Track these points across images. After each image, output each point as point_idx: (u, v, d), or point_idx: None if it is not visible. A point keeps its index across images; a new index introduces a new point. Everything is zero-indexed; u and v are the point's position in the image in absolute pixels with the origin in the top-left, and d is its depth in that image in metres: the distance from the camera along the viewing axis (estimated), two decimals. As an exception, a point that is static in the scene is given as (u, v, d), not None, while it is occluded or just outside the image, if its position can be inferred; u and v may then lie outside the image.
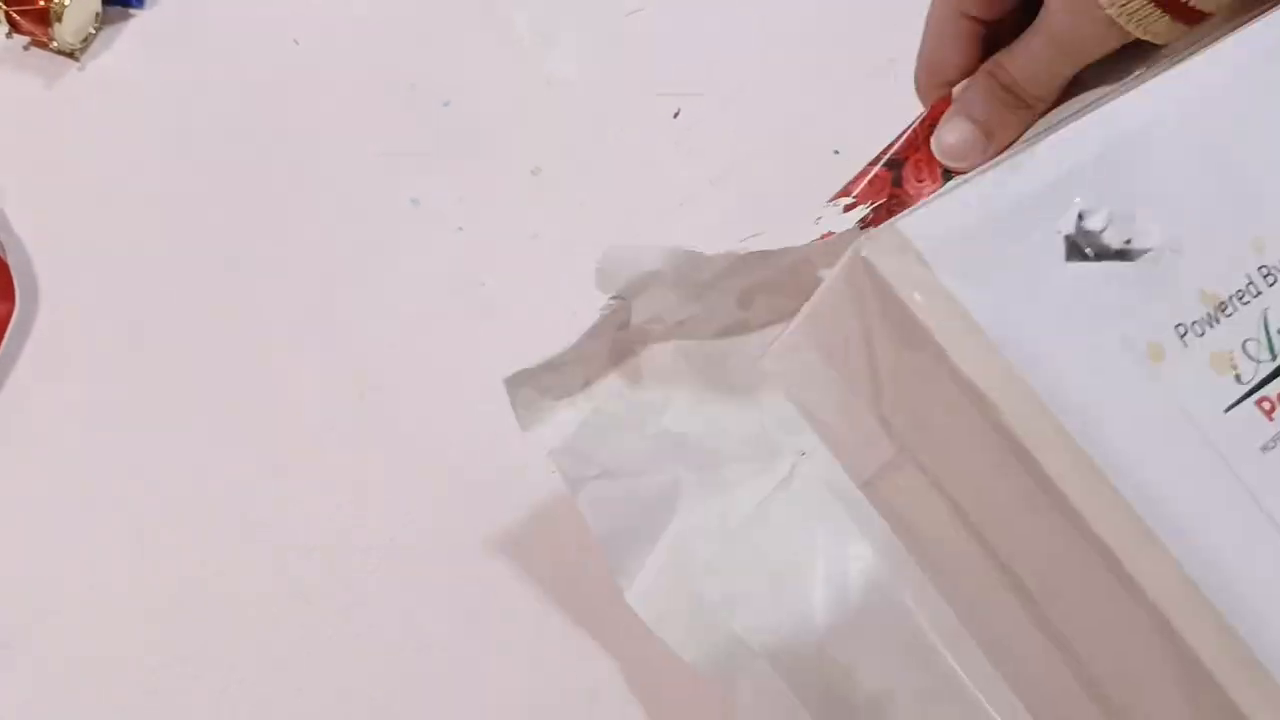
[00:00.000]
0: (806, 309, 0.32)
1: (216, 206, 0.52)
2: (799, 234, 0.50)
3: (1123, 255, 0.30)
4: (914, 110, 0.54)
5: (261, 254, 0.51)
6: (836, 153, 0.51)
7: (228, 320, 0.49)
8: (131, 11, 0.56)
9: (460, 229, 0.51)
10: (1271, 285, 0.31)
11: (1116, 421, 0.28)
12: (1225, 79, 0.32)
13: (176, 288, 0.50)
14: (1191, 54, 0.32)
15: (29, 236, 0.51)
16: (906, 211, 0.29)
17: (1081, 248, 0.30)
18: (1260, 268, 0.31)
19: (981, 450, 0.29)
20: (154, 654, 0.44)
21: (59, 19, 0.52)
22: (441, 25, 0.55)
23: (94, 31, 0.55)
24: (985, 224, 0.29)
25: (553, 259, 0.50)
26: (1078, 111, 0.32)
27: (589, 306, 0.49)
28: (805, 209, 0.50)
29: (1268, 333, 0.30)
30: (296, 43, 0.55)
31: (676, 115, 0.53)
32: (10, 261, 0.50)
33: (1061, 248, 0.29)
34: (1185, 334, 0.30)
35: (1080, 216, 0.30)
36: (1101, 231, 0.30)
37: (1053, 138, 0.30)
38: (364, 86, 0.54)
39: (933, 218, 0.29)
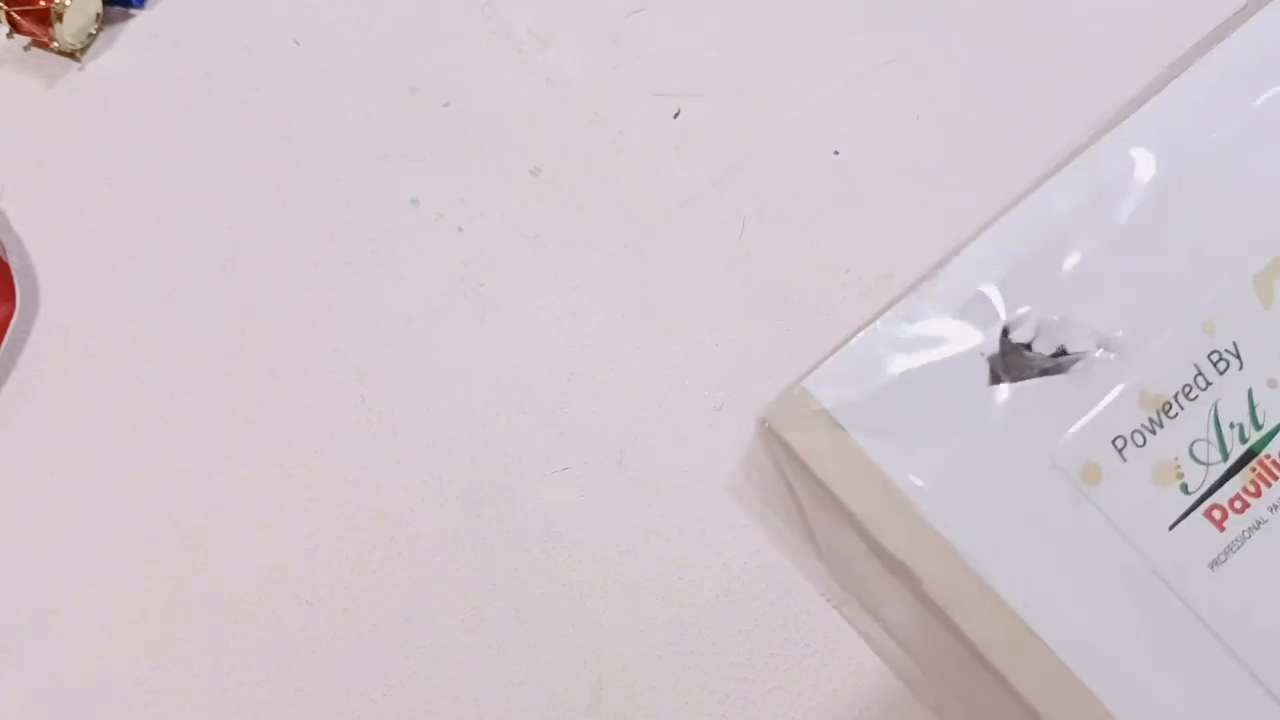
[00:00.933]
0: (743, 458, 0.31)
1: (216, 206, 0.52)
2: (799, 234, 0.50)
3: (1054, 368, 0.27)
4: (912, 110, 0.54)
5: (261, 254, 0.51)
6: (836, 153, 0.51)
7: (227, 320, 0.49)
8: (132, 11, 0.56)
9: (460, 229, 0.51)
10: (1224, 373, 0.27)
11: (1049, 565, 0.26)
12: (1153, 146, 0.29)
13: (176, 288, 0.50)
14: (1111, 127, 0.29)
15: (29, 236, 0.51)
16: (814, 366, 0.27)
17: (1007, 369, 0.27)
18: (1211, 354, 0.27)
19: (912, 610, 0.27)
20: (154, 654, 0.44)
21: (60, 19, 0.52)
22: (441, 25, 0.55)
23: (95, 32, 0.55)
24: (898, 367, 0.27)
25: (553, 259, 0.50)
26: (999, 213, 0.29)
27: (587, 307, 0.49)
28: (805, 209, 0.50)
29: (1219, 430, 0.27)
30: (296, 43, 0.55)
31: (676, 115, 0.53)
32: (10, 261, 0.50)
33: (985, 372, 0.27)
34: (1124, 446, 0.26)
35: (1005, 332, 0.27)
36: (1029, 344, 0.27)
37: (964, 253, 0.28)
38: (364, 86, 0.54)
39: (841, 372, 0.27)
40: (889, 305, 0.27)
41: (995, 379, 0.27)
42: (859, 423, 0.27)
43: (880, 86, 0.53)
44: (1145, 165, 0.28)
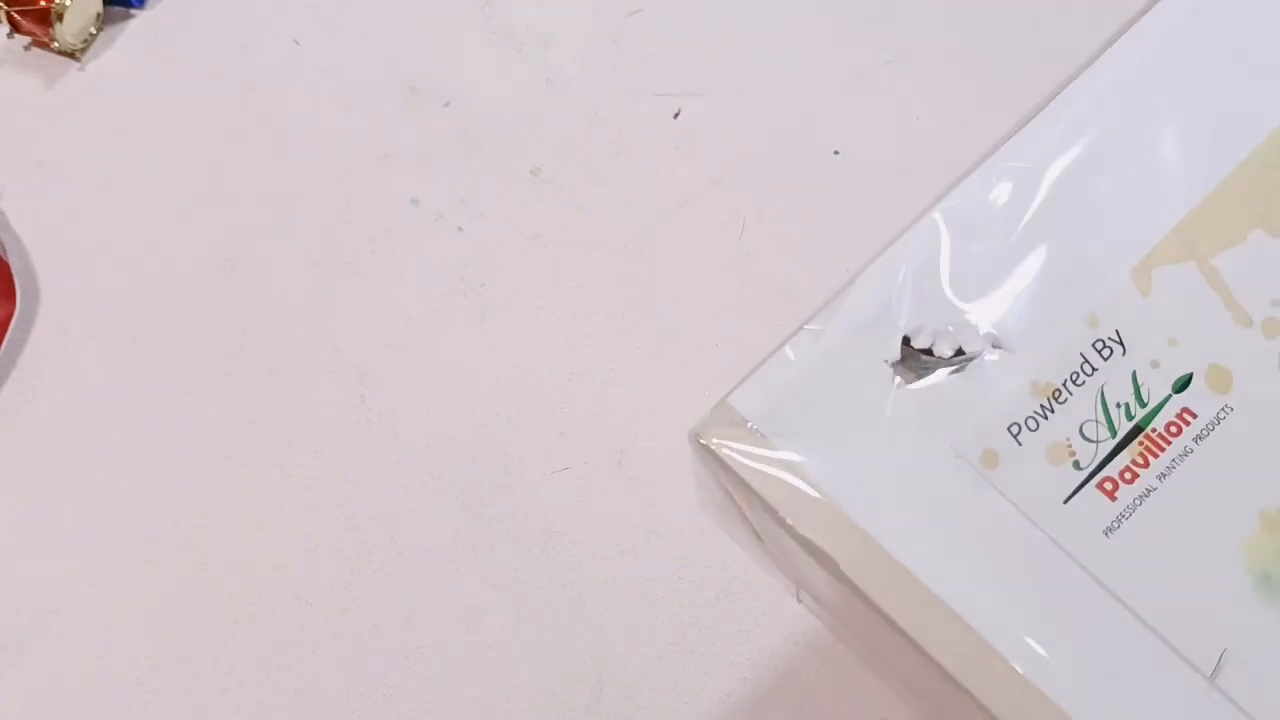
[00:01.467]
0: (695, 472, 0.34)
1: (216, 206, 0.52)
2: (799, 234, 0.50)
3: (953, 366, 0.30)
4: (912, 110, 0.54)
5: (261, 254, 0.51)
6: (836, 153, 0.51)
7: (227, 321, 0.49)
8: (132, 11, 0.56)
9: (460, 229, 0.51)
10: (1108, 359, 0.30)
11: (953, 542, 0.28)
12: (1026, 168, 0.32)
13: (176, 288, 0.50)
14: (1000, 145, 0.33)
15: (29, 236, 0.51)
16: (738, 383, 0.30)
17: (907, 371, 0.30)
18: (1095, 342, 0.30)
19: (838, 591, 0.30)
20: (154, 654, 0.44)
21: (60, 19, 0.52)
22: (441, 25, 0.55)
23: (95, 32, 0.55)
24: (810, 379, 0.30)
25: (553, 259, 0.50)
26: (901, 233, 0.33)
27: (587, 307, 0.49)
28: (805, 209, 0.50)
29: (1106, 410, 0.29)
30: (296, 43, 0.55)
31: (677, 115, 0.53)
32: (10, 261, 0.50)
33: (890, 377, 0.30)
34: (1019, 432, 0.29)
35: (906, 340, 0.30)
36: (929, 348, 0.30)
37: (867, 272, 0.31)
38: (364, 86, 0.54)
39: (759, 387, 0.30)
40: (800, 326, 0.31)
41: (899, 383, 0.30)
42: (776, 429, 0.29)
43: (880, 86, 0.53)
44: (1021, 186, 0.32)
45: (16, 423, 0.48)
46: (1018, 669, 0.27)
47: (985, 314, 0.30)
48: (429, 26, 0.55)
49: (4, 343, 0.48)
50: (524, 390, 0.48)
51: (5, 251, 0.50)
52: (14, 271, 0.49)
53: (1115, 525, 0.29)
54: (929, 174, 0.50)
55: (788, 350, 0.30)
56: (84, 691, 0.44)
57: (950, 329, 0.30)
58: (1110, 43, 0.34)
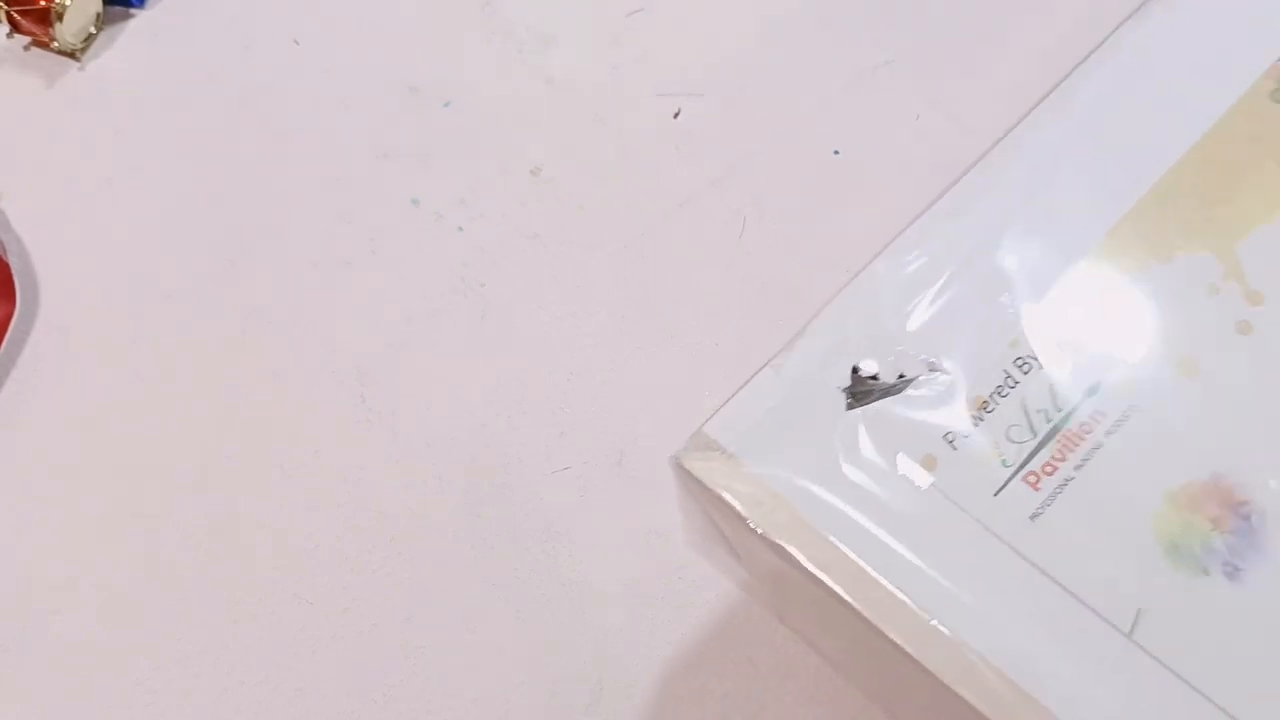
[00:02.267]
0: (676, 499, 0.39)
1: (216, 207, 0.52)
2: (799, 234, 0.50)
3: (896, 390, 0.35)
4: (912, 110, 0.54)
5: (261, 254, 0.51)
6: (836, 153, 0.51)
7: (227, 320, 0.49)
8: (132, 11, 0.56)
9: (460, 229, 0.51)
10: (1027, 373, 0.35)
11: (899, 535, 0.33)
12: (964, 219, 0.37)
13: (176, 288, 0.50)
14: (940, 198, 0.38)
15: (29, 236, 0.51)
16: (712, 412, 0.36)
17: (857, 396, 0.35)
18: (1016, 360, 0.35)
19: (806, 591, 0.34)
20: (154, 654, 0.44)
21: (60, 19, 0.52)
22: (441, 25, 0.55)
23: (95, 31, 0.55)
24: (776, 407, 0.35)
25: (553, 259, 0.50)
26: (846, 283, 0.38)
27: (587, 307, 0.49)
28: (805, 209, 0.50)
29: (1027, 415, 0.34)
30: (296, 43, 0.55)
31: (677, 115, 0.53)
32: (10, 261, 0.50)
33: (843, 401, 0.35)
34: (954, 439, 0.34)
35: (855, 370, 0.35)
36: (875, 376, 0.35)
37: (821, 316, 0.36)
38: (364, 86, 0.54)
39: (732, 415, 0.35)
40: (766, 363, 0.36)
41: (850, 405, 0.35)
42: (746, 451, 0.35)
43: (880, 86, 0.53)
44: (950, 242, 0.37)
45: (16, 423, 0.48)
46: (957, 637, 0.32)
47: (923, 344, 0.36)
48: (429, 26, 0.55)
49: (4, 343, 0.48)
50: (524, 390, 0.48)
51: (5, 251, 0.50)
52: (14, 271, 0.49)
53: (1040, 511, 0.33)
54: (929, 174, 0.50)
55: (756, 383, 0.36)
56: (84, 691, 0.44)
57: (892, 358, 0.35)
58: (1028, 112, 0.40)
